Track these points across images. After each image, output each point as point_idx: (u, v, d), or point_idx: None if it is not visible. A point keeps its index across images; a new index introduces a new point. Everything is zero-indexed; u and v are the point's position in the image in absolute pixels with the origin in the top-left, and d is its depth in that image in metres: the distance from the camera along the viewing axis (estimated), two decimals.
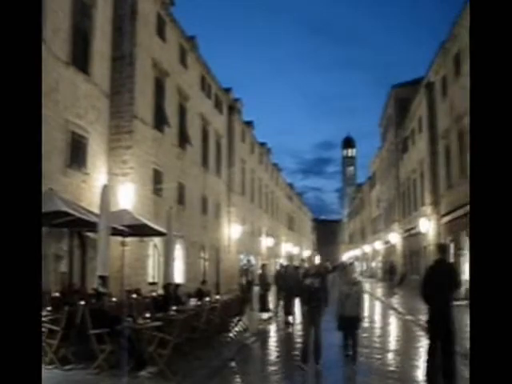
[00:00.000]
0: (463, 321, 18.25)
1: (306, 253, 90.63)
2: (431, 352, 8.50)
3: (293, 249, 67.20)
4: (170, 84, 25.21)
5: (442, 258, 8.87)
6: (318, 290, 10.33)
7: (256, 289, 24.25)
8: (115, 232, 13.45)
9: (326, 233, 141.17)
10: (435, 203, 30.99)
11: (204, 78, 31.86)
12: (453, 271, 9.07)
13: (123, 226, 14.20)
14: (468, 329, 14.28)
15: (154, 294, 16.60)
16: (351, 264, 13.87)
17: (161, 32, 24.37)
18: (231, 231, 36.35)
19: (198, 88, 30.57)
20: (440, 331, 8.42)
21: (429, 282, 8.64)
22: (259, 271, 24.60)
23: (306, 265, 25.97)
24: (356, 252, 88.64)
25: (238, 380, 10.21)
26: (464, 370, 10.31)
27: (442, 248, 9.25)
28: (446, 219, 28.16)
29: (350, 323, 10.43)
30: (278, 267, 30.18)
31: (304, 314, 10.60)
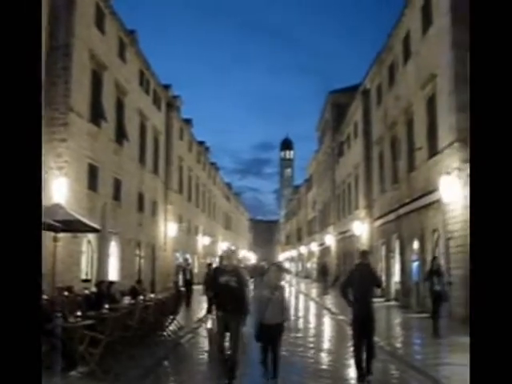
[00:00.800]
0: (393, 320, 18.83)
1: (243, 252, 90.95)
2: (356, 345, 9.43)
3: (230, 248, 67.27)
4: (108, 77, 24.65)
5: (363, 262, 9.87)
6: (235, 290, 8.72)
7: (197, 288, 24.11)
8: (47, 227, 13.05)
9: (263, 233, 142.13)
10: (369, 207, 31.72)
11: (143, 73, 31.37)
12: (372, 273, 10.05)
13: (55, 220, 13.79)
14: (398, 328, 14.72)
15: (86, 291, 16.21)
16: (275, 265, 12.49)
17: (100, 24, 23.76)
18: (168, 229, 36.01)
19: (136, 83, 30.06)
20: (362, 326, 9.37)
21: (351, 283, 9.60)
22: (205, 270, 24.26)
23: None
24: (292, 253, 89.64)
25: (172, 379, 10.12)
26: (391, 368, 10.65)
27: (363, 253, 10.20)
28: (378, 222, 28.90)
29: (271, 333, 8.69)
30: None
31: (217, 320, 9.05)
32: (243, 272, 14.91)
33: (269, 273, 9.81)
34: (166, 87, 37.96)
